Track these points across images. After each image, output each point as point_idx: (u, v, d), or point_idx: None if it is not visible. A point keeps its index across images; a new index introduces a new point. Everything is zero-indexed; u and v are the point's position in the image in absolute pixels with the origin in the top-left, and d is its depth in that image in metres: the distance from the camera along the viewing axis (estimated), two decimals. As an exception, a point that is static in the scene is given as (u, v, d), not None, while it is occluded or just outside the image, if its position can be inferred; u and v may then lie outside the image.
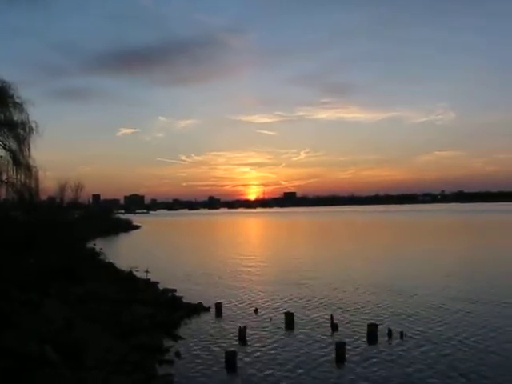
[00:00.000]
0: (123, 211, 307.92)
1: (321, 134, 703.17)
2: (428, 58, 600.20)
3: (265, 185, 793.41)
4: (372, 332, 26.36)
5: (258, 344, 25.59)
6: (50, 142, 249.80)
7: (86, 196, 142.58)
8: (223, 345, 25.38)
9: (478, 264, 55.40)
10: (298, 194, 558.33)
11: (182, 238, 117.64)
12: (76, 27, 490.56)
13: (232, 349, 23.83)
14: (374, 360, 22.78)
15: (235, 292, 40.64)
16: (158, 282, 43.76)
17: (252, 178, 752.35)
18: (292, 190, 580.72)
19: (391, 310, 32.88)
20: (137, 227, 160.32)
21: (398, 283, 42.59)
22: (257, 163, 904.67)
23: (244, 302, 36.78)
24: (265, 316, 31.97)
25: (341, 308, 33.60)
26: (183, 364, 22.60)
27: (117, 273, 46.43)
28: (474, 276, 46.58)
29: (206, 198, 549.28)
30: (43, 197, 53.25)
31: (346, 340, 25.10)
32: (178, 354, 23.76)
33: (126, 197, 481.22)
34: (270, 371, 21.57)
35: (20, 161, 37.81)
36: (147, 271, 45.99)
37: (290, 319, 29.64)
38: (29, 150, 38.41)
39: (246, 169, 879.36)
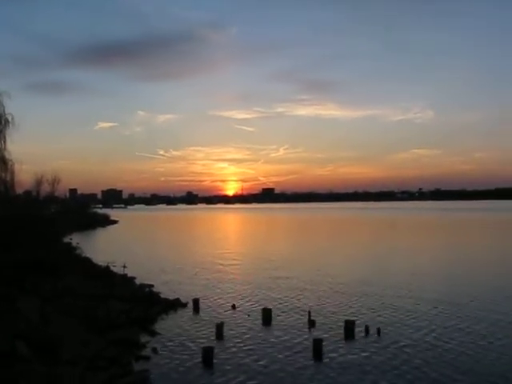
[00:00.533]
0: (101, 206, 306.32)
1: (300, 131, 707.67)
2: (407, 56, 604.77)
3: (243, 181, 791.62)
4: (349, 328, 26.46)
5: (235, 340, 25.57)
6: (27, 135, 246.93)
7: (62, 190, 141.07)
8: (200, 341, 25.31)
9: (453, 262, 56.05)
10: (277, 191, 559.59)
11: (160, 234, 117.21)
12: (53, 19, 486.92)
13: (209, 345, 23.77)
14: (351, 356, 22.90)
15: (213, 288, 40.57)
16: (135, 277, 43.51)
17: (230, 174, 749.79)
18: (270, 186, 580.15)
19: (369, 306, 33.09)
20: (114, 222, 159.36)
21: (375, 280, 42.86)
22: (235, 159, 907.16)
23: (222, 297, 36.73)
24: (242, 312, 31.97)
25: (318, 304, 33.71)
26: (160, 360, 22.49)
27: (93, 268, 46.02)
28: (449, 274, 47.06)
29: (185, 194, 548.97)
30: (19, 190, 52.69)
31: (324, 336, 25.22)
32: (154, 350, 23.65)
33: (103, 191, 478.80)
34: (247, 367, 21.57)
35: (-5, 154, 37.28)
36: (124, 266, 45.79)
37: (267, 315, 29.68)
38: (4, 142, 38.01)
39: (225, 164, 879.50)
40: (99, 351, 21.54)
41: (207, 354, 22.29)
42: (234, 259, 60.30)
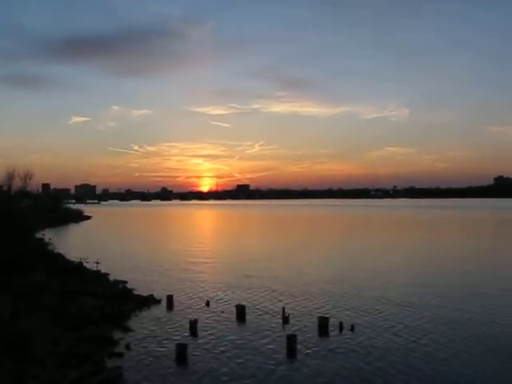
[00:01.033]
0: (74, 201, 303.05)
1: (275, 128, 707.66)
2: (383, 55, 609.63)
3: (218, 177, 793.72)
4: (323, 325, 26.55)
5: (209, 337, 25.48)
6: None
7: (35, 185, 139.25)
8: (174, 337, 25.17)
9: (425, 259, 56.67)
10: (252, 187, 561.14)
11: (134, 230, 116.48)
12: (28, 12, 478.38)
13: (183, 341, 23.65)
14: (325, 352, 22.99)
15: (187, 284, 40.39)
16: (108, 274, 43.11)
17: (205, 170, 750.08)
18: (245, 182, 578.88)
19: (342, 303, 33.27)
20: (88, 218, 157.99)
21: (349, 277, 43.12)
22: (210, 155, 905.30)
23: (196, 294, 36.57)
24: (216, 308, 31.89)
25: (292, 301, 33.78)
26: (133, 356, 22.30)
27: (66, 264, 45.51)
28: (421, 271, 47.50)
29: (159, 189, 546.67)
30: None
31: (297, 332, 25.25)
32: (127, 347, 23.44)
33: (76, 186, 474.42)
34: (221, 364, 21.50)
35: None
36: (97, 262, 45.33)
37: (241, 311, 29.64)
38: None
39: (200, 160, 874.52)
40: (71, 348, 21.28)
41: (181, 351, 22.17)
42: (208, 256, 60.16)
